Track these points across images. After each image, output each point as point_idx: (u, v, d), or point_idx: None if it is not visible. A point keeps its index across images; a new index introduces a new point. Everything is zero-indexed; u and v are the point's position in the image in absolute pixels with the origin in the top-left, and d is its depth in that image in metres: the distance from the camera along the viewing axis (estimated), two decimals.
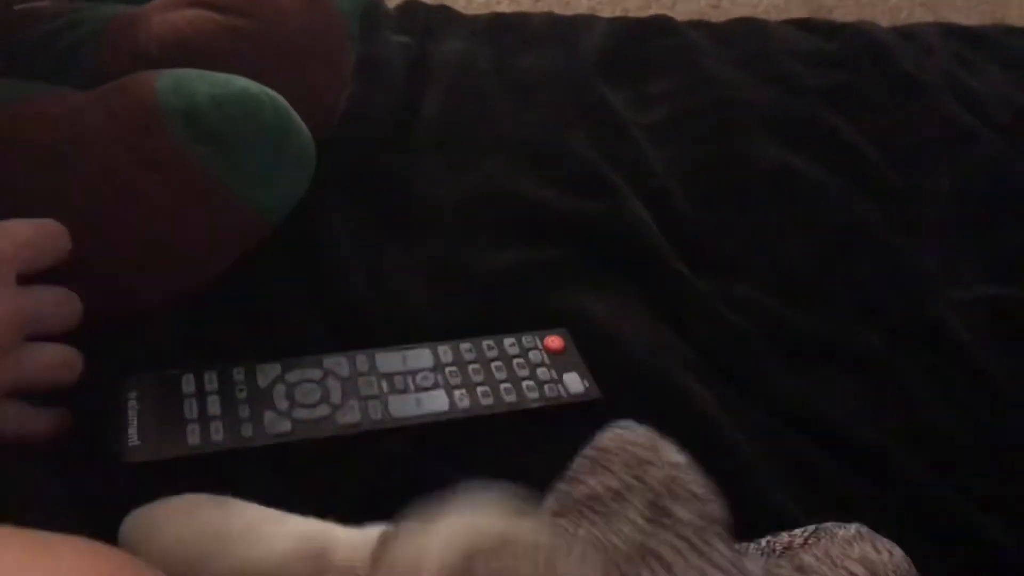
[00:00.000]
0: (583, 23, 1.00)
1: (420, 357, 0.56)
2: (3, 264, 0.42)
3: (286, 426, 0.50)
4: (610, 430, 0.42)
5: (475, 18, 0.99)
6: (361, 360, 0.55)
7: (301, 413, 0.51)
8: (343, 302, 0.60)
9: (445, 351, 0.56)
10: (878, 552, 0.41)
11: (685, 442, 0.42)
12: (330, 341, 0.57)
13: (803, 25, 1.06)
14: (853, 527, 0.43)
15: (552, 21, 1.00)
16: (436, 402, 0.53)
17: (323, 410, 0.52)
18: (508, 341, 0.58)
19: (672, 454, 0.41)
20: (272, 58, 0.60)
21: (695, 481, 0.40)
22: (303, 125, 0.56)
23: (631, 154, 0.79)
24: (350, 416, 0.52)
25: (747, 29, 1.03)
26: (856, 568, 0.40)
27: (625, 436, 0.41)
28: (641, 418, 0.43)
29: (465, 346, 0.57)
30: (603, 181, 0.75)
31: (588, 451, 0.41)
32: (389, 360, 0.55)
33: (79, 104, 0.52)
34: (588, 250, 0.68)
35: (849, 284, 0.70)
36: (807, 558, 0.41)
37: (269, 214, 0.56)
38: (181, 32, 0.59)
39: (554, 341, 0.58)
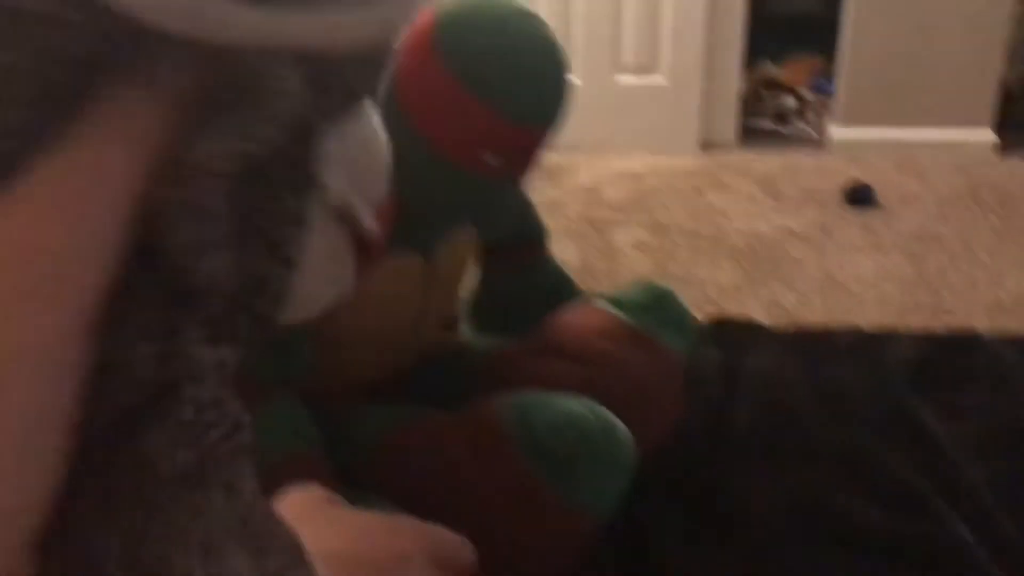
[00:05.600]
0: (887, 337, 1.05)
1: None
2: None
3: None
4: None
5: (781, 333, 1.06)
6: None
7: None
8: None
9: None
10: None
11: None
12: None
13: None
14: None
15: (857, 335, 1.06)
16: None
17: None
18: None
19: None
20: (616, 406, 0.69)
21: None
22: (628, 442, 0.65)
23: (948, 472, 0.80)
24: None
25: None
26: None
27: None
28: None
29: None
30: (922, 501, 0.76)
31: None
32: None
33: (444, 430, 0.68)
34: (904, 573, 0.69)
35: None
36: None
37: (596, 515, 0.65)
38: (548, 386, 0.71)
39: None
